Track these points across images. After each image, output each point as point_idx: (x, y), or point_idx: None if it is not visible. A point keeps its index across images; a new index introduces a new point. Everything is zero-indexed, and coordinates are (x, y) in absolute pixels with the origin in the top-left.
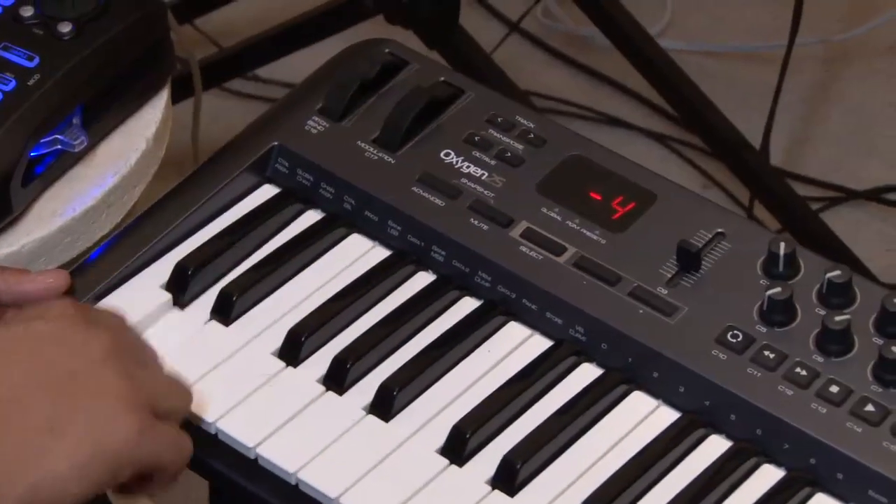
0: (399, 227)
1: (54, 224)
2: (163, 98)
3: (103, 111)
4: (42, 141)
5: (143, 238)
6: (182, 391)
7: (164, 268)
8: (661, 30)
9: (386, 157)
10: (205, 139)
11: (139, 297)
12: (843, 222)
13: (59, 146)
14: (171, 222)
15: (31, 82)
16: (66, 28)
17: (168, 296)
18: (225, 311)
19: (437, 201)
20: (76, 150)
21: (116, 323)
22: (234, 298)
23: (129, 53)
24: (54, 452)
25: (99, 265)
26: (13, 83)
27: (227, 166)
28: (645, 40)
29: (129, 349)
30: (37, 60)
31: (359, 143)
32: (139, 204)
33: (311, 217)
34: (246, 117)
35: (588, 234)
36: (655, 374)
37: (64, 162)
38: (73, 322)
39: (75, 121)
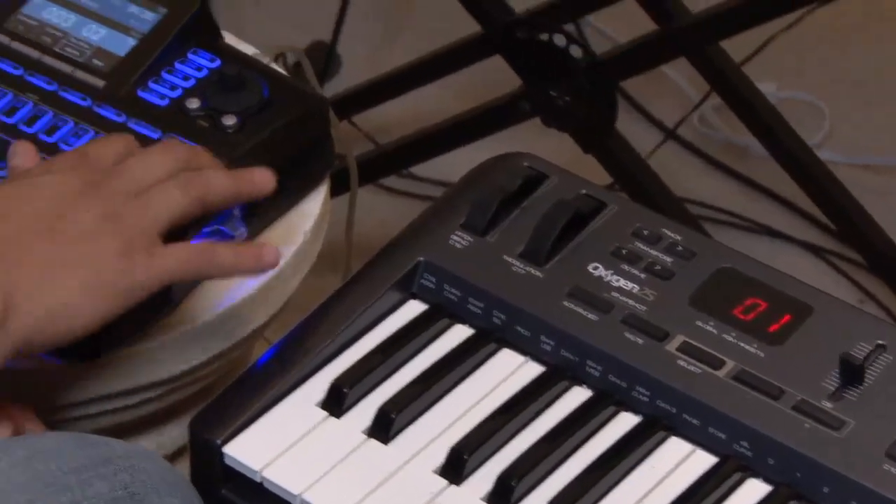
0: (552, 342)
1: (211, 313)
2: (321, 192)
3: (264, 203)
4: (203, 231)
5: (296, 355)
6: (176, 197)
7: (318, 386)
8: (820, 141)
9: (533, 272)
10: (358, 234)
11: (296, 416)
12: None
13: (220, 236)
14: (323, 341)
15: None
16: (230, 121)
17: (324, 414)
18: (384, 430)
19: (590, 315)
20: (236, 241)
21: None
22: (393, 417)
23: (291, 147)
24: (63, 283)
25: (255, 381)
26: None
27: (373, 284)
28: (803, 151)
29: (112, 186)
30: None
31: (505, 257)
32: (294, 296)
33: (461, 332)
34: (399, 214)
35: (746, 347)
36: (826, 490)
37: None
38: (64, 171)
39: (236, 212)
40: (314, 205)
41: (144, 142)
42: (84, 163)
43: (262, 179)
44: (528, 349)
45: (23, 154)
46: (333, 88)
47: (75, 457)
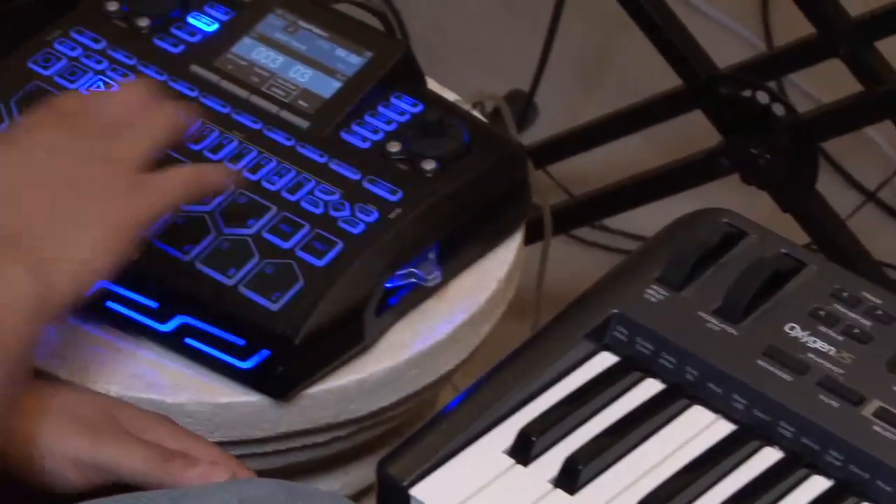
0: (744, 401)
1: (402, 356)
2: (516, 240)
3: (459, 248)
4: (398, 273)
5: (486, 401)
6: (143, 129)
7: (506, 433)
8: None
9: (728, 329)
10: (548, 283)
11: (483, 462)
12: None
13: (414, 280)
14: (513, 388)
15: (392, 215)
16: (429, 165)
17: (511, 461)
18: (570, 481)
19: (785, 376)
20: (429, 284)
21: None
22: (581, 468)
23: (489, 194)
24: (82, 243)
25: (445, 425)
26: (375, 215)
27: (566, 333)
28: None
29: (90, 126)
30: (399, 195)
31: (700, 313)
32: (482, 343)
33: (651, 386)
34: (591, 266)
35: None
36: None
37: (416, 295)
38: (52, 127)
39: (431, 256)
40: (508, 252)
41: (343, 183)
42: (56, 113)
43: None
44: (719, 407)
45: None
46: (530, 137)
47: None
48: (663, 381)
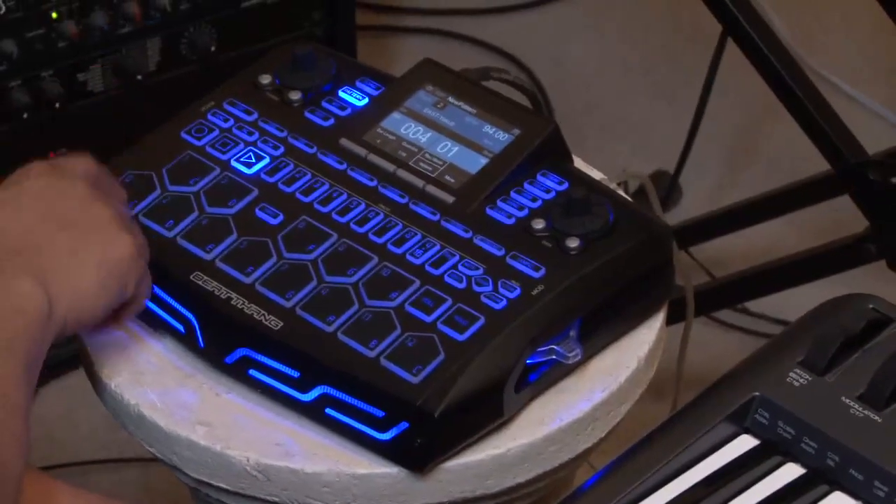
0: (885, 489)
1: (541, 432)
2: (658, 320)
3: (600, 326)
4: (539, 350)
5: (623, 481)
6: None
7: None
8: None
9: (872, 416)
10: (688, 365)
11: None
12: None
13: (555, 357)
14: (651, 467)
15: (534, 292)
16: (573, 243)
17: None
18: None
19: None
20: (570, 362)
21: (86, 166)
22: None
23: (633, 274)
24: (82, 273)
25: (583, 502)
26: (518, 291)
27: (707, 415)
28: None
29: (104, 184)
30: (542, 272)
31: (843, 398)
32: (622, 421)
33: (792, 471)
34: (731, 348)
35: None
36: None
37: (556, 372)
38: (53, 174)
39: (572, 333)
40: (650, 332)
41: (487, 259)
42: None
43: None
44: (860, 494)
45: None
46: (673, 218)
47: None
48: (804, 465)
